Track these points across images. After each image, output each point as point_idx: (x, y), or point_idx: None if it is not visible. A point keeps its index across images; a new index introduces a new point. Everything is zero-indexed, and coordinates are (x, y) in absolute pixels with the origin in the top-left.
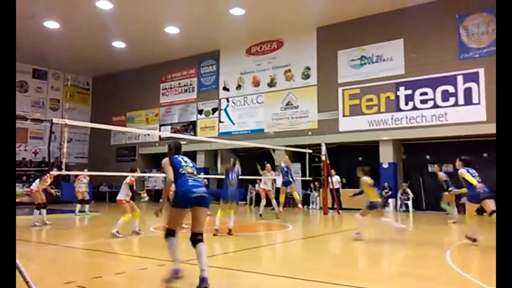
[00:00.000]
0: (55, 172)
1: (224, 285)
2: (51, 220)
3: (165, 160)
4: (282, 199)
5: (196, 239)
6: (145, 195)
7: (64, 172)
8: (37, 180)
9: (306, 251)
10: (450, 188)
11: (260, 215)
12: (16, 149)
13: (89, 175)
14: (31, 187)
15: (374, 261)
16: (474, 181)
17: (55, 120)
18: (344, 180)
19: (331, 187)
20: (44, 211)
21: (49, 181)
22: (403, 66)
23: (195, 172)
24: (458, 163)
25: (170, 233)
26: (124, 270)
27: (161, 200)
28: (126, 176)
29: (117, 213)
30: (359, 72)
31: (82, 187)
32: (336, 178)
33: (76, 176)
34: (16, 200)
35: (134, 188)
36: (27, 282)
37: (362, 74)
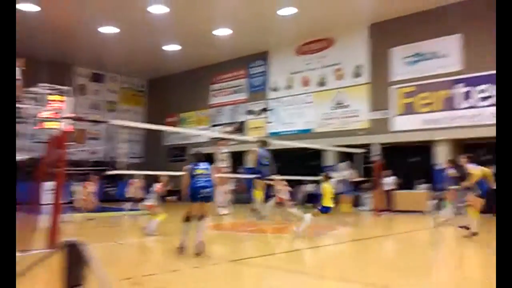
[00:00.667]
0: (111, 172)
1: (273, 286)
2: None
3: (186, 167)
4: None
5: (200, 218)
6: (173, 197)
7: (120, 172)
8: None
9: (357, 253)
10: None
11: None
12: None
13: (143, 175)
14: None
15: (432, 266)
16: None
17: (113, 121)
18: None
19: (385, 188)
20: None
21: (91, 188)
22: (460, 63)
23: (205, 172)
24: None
25: (187, 219)
26: (178, 267)
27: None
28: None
29: (171, 210)
30: (414, 70)
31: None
32: (390, 179)
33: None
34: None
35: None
36: (99, 277)
37: (417, 71)
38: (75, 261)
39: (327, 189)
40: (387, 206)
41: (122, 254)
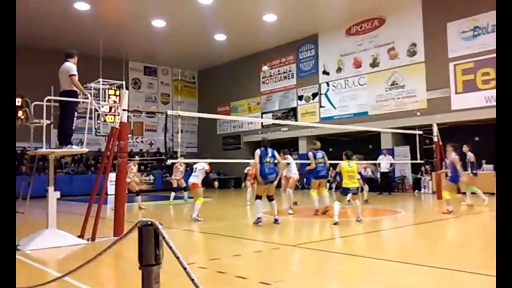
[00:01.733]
0: (171, 160)
1: (336, 270)
2: (165, 206)
3: (257, 151)
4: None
5: (270, 198)
6: (216, 183)
7: (178, 160)
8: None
9: (422, 237)
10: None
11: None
12: (133, 141)
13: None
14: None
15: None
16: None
17: (169, 112)
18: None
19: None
20: (139, 197)
21: (134, 168)
22: None
23: (271, 161)
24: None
25: (258, 197)
26: (240, 252)
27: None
28: (232, 163)
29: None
30: (473, 45)
31: (177, 175)
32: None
33: (173, 164)
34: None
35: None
36: (185, 268)
37: (476, 46)
38: (151, 241)
39: (344, 168)
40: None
41: (181, 240)
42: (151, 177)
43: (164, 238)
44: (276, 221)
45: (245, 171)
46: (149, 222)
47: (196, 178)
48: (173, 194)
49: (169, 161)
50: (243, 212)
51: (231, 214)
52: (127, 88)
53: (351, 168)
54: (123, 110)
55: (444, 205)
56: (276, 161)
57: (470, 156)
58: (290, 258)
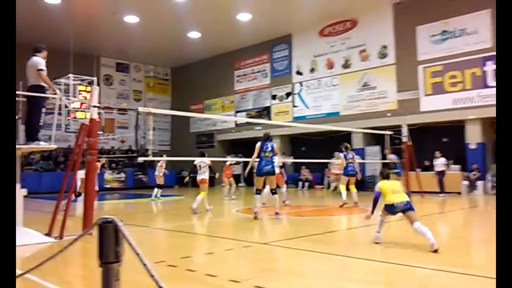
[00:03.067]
0: (142, 158)
1: (306, 267)
2: (139, 204)
3: (257, 144)
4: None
5: (272, 192)
6: (187, 178)
7: (149, 158)
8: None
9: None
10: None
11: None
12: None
13: (171, 161)
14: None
15: (469, 246)
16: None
17: (140, 109)
18: (427, 163)
19: (437, 169)
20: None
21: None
22: (490, 39)
23: (270, 155)
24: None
25: (257, 191)
26: (211, 250)
27: (246, 170)
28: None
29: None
30: (441, 48)
31: (161, 172)
32: (441, 161)
33: (157, 162)
34: (107, 186)
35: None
36: (144, 265)
37: (445, 50)
38: (111, 238)
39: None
40: (439, 188)
41: (156, 238)
42: (122, 174)
43: (124, 235)
44: (276, 214)
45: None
46: (109, 219)
47: (204, 174)
48: (155, 190)
49: (140, 159)
50: (216, 210)
51: (204, 212)
52: (98, 85)
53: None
54: (93, 106)
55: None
56: (274, 155)
57: (391, 157)
58: (261, 256)
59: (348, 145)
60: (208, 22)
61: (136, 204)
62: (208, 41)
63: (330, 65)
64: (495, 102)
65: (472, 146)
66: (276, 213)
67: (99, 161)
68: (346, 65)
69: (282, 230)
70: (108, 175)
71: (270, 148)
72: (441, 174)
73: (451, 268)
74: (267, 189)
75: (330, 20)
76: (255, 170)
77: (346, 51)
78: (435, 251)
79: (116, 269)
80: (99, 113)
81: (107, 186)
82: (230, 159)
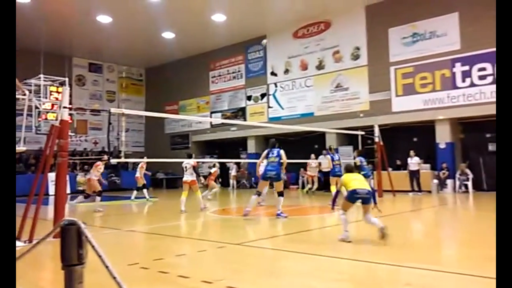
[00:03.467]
0: (115, 160)
1: (279, 267)
2: (112, 206)
3: (265, 151)
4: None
5: (278, 194)
6: (202, 178)
7: (123, 160)
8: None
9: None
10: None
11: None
12: (77, 140)
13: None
14: (87, 176)
15: (437, 244)
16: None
17: (113, 110)
18: (399, 162)
19: (411, 168)
20: (98, 198)
21: (102, 168)
22: (459, 41)
23: (276, 160)
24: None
25: (257, 193)
26: (185, 252)
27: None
28: (181, 162)
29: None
30: (412, 50)
31: (142, 173)
32: (415, 159)
33: (137, 163)
34: (79, 188)
35: (197, 170)
36: (107, 267)
37: (415, 51)
38: (74, 240)
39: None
40: (411, 187)
41: (130, 240)
42: None
43: (87, 237)
44: (278, 215)
45: (211, 170)
46: (72, 221)
47: (192, 176)
48: (135, 192)
49: (113, 160)
50: (192, 212)
51: (179, 214)
52: (70, 85)
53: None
54: (64, 107)
55: (384, 203)
56: (281, 161)
57: (357, 160)
58: (234, 257)
59: (332, 146)
60: (183, 23)
61: (109, 207)
62: (183, 41)
63: (304, 66)
64: (463, 103)
65: (442, 145)
66: (278, 214)
67: (102, 160)
68: (320, 67)
69: (256, 230)
70: (80, 177)
71: (276, 154)
72: (416, 173)
73: (417, 265)
74: (265, 190)
75: (304, 22)
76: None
77: (319, 52)
78: (383, 234)
79: (79, 271)
80: (71, 114)
81: (79, 188)
82: (214, 162)
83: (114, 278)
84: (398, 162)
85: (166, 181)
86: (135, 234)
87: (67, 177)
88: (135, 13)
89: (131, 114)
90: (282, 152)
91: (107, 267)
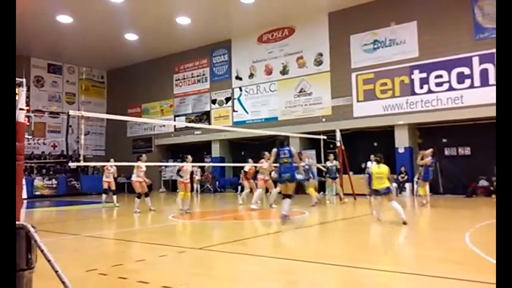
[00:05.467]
0: (74, 164)
1: (238, 270)
2: (71, 211)
3: (274, 150)
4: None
5: (284, 196)
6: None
7: (84, 164)
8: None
9: (325, 236)
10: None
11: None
12: (35, 143)
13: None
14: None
15: (394, 245)
16: None
17: (71, 112)
18: (364, 165)
19: (368, 172)
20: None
21: (144, 168)
22: (417, 49)
23: (288, 161)
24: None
25: (285, 196)
26: (145, 257)
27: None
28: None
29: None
30: (373, 57)
31: (109, 177)
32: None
33: (103, 167)
34: (37, 193)
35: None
36: (56, 272)
37: (376, 58)
38: (23, 244)
39: (374, 170)
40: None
41: (89, 246)
42: (54, 181)
43: (36, 241)
44: (283, 217)
45: (245, 169)
46: (20, 225)
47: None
48: (104, 196)
49: (71, 164)
50: (154, 216)
51: (141, 219)
52: (28, 86)
53: (380, 170)
54: (20, 109)
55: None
56: (295, 161)
57: (335, 164)
58: (195, 261)
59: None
60: (146, 25)
61: (68, 212)
62: (146, 43)
63: (269, 71)
64: (421, 109)
65: (401, 150)
66: (283, 216)
67: (140, 159)
68: (284, 71)
69: (218, 235)
70: (38, 181)
71: (287, 154)
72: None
73: (365, 265)
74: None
75: (268, 27)
76: (276, 175)
77: (284, 57)
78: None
79: (29, 276)
80: (28, 117)
81: (37, 193)
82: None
83: (63, 283)
84: (363, 165)
85: (127, 186)
86: (95, 239)
87: (24, 182)
88: (97, 13)
89: (92, 116)
90: (293, 150)
91: (56, 271)
